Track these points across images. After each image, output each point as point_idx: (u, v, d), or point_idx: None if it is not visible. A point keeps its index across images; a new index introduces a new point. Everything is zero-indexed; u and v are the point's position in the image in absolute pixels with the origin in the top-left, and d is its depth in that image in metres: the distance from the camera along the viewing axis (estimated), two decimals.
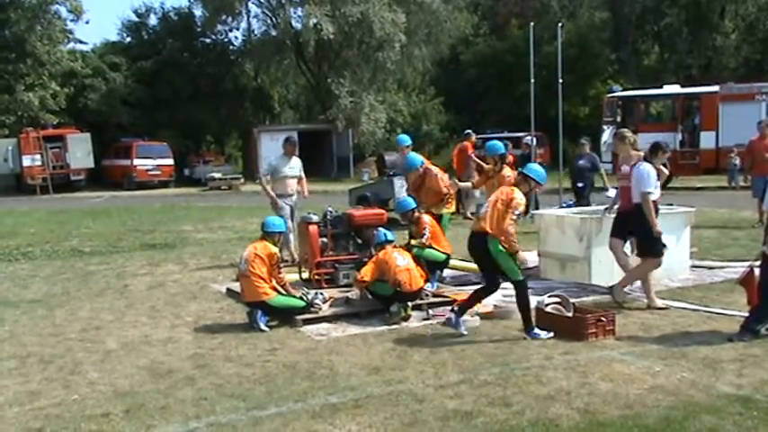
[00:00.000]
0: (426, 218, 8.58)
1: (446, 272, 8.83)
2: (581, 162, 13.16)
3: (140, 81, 36.90)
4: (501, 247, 6.35)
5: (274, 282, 7.12)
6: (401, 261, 7.28)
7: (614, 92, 25.31)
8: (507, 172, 8.88)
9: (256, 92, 41.38)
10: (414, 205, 8.60)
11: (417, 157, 9.51)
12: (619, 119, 23.81)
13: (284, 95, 44.12)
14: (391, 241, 7.71)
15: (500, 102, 40.64)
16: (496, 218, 6.40)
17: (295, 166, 10.59)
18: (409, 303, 7.18)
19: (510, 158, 15.79)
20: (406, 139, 10.14)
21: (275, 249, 7.18)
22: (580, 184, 13.11)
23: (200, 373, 5.70)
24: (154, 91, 36.76)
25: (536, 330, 6.32)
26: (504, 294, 8.15)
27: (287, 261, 10.50)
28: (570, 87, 29.03)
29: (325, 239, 8.76)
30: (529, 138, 16.09)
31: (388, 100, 39.98)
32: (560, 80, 14.84)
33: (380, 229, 8.22)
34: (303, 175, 10.75)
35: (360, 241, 8.91)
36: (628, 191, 7.95)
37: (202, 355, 6.17)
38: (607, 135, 23.14)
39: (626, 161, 7.99)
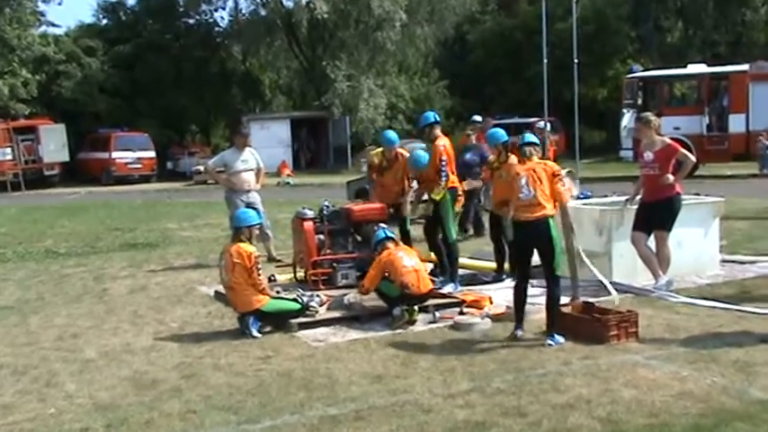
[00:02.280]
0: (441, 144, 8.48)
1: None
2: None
3: (118, 66, 36.89)
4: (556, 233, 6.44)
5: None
6: (408, 261, 7.26)
7: (634, 72, 25.24)
8: (513, 160, 8.84)
9: (245, 77, 41.36)
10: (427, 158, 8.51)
11: (395, 136, 9.47)
12: (640, 102, 23.74)
13: (275, 80, 44.10)
14: (392, 238, 7.70)
15: (510, 84, 40.59)
16: (552, 195, 6.45)
17: (248, 158, 10.63)
18: (416, 306, 7.16)
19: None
20: (394, 139, 9.38)
21: (251, 249, 7.08)
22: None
23: (188, 383, 5.69)
24: (133, 77, 36.74)
25: (557, 336, 6.31)
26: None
27: (280, 261, 10.53)
28: (586, 68, 29.06)
29: (321, 237, 8.75)
30: (542, 123, 16.09)
31: (388, 84, 39.97)
32: (575, 60, 14.84)
33: (381, 225, 8.21)
34: (262, 165, 10.86)
35: (359, 238, 8.90)
36: (652, 180, 7.94)
37: (189, 365, 6.16)
38: (627, 119, 23.10)
39: (649, 147, 7.99)
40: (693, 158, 8.11)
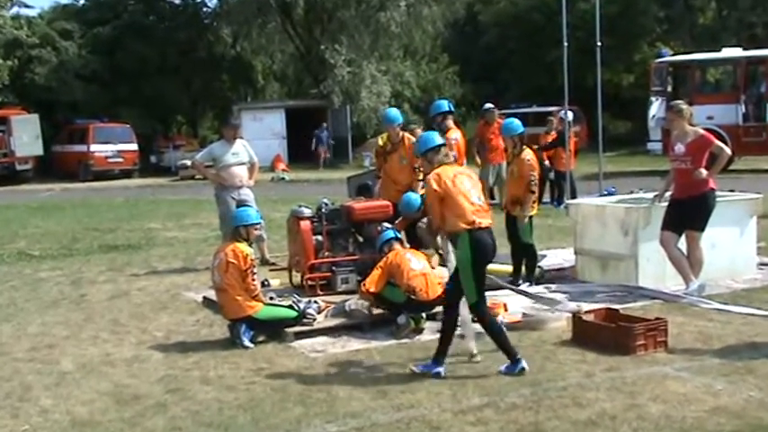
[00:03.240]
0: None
1: None
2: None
3: (97, 51, 36.94)
4: None
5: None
6: (416, 264, 7.25)
7: (664, 56, 25.20)
8: (528, 155, 8.86)
9: (235, 62, 41.38)
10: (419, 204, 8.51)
11: (396, 113, 9.47)
12: (669, 89, 23.69)
13: (269, 66, 44.10)
14: (399, 239, 7.71)
15: (527, 70, 40.54)
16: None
17: (239, 151, 10.64)
18: (423, 314, 7.16)
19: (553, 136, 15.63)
20: (395, 116, 9.48)
21: (248, 250, 7.11)
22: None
23: (173, 398, 5.71)
24: (113, 62, 36.78)
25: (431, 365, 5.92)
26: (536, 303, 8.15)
27: (274, 264, 10.55)
28: (611, 52, 28.94)
29: (319, 237, 8.76)
30: (562, 112, 16.05)
31: (392, 70, 39.95)
32: (599, 43, 14.80)
33: (385, 225, 8.22)
34: (255, 159, 10.87)
35: (361, 239, 8.91)
36: (684, 174, 7.93)
37: (175, 377, 6.17)
38: (655, 108, 23.07)
39: (681, 139, 7.98)
40: (729, 151, 8.10)
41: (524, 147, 8.91)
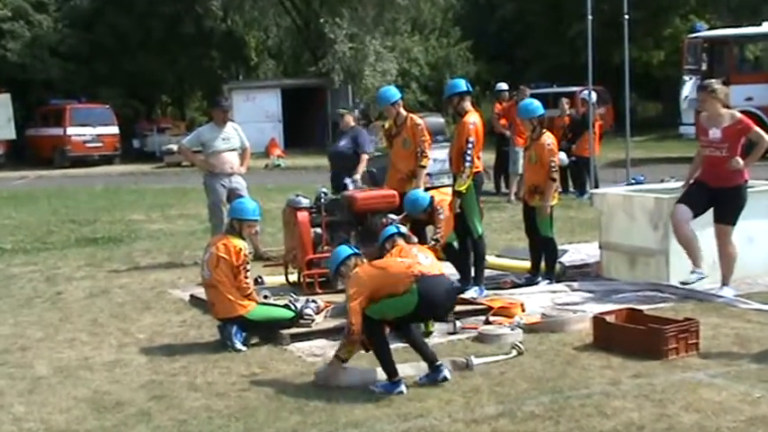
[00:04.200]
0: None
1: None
2: (342, 144, 10.87)
3: (74, 25, 36.92)
4: None
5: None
6: (423, 261, 7.26)
7: (698, 31, 25.11)
8: (548, 138, 8.85)
9: (226, 37, 41.29)
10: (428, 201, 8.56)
11: (392, 91, 9.45)
12: (704, 67, 23.64)
13: (263, 41, 44.05)
14: (403, 234, 7.71)
15: (547, 46, 40.44)
16: None
17: (230, 135, 10.66)
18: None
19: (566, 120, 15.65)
20: (390, 95, 9.43)
21: (242, 245, 7.10)
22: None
23: (158, 405, 5.72)
24: (92, 38, 36.77)
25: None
26: (556, 301, 8.16)
27: (269, 259, 10.55)
28: (639, 26, 28.93)
29: (318, 230, 8.76)
30: (585, 93, 16.03)
31: (399, 46, 39.89)
32: (626, 16, 14.77)
33: (391, 217, 8.22)
34: (248, 144, 10.91)
35: (364, 232, 8.91)
36: (718, 163, 7.88)
37: (160, 383, 6.18)
38: (688, 88, 23.00)
39: (715, 122, 7.94)
40: (765, 136, 8.05)
41: (543, 131, 8.91)
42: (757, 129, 8.01)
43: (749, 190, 8.09)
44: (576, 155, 15.86)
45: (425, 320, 6.78)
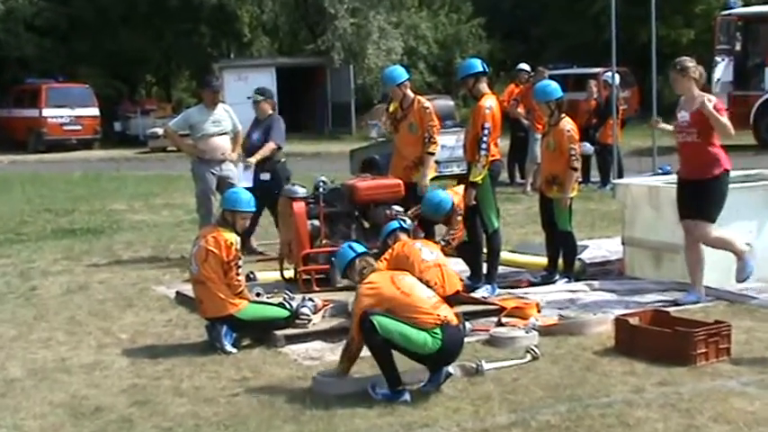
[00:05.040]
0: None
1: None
2: (255, 138, 10.86)
3: None
4: None
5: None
6: (428, 255, 7.26)
7: (732, 8, 25.07)
8: (567, 124, 8.83)
9: (216, 11, 41.14)
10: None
11: (398, 71, 9.45)
12: (738, 47, 23.60)
13: (257, 16, 43.91)
14: (406, 229, 7.72)
15: (565, 23, 40.37)
16: None
17: (221, 118, 10.63)
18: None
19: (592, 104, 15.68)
20: (396, 75, 9.38)
21: (233, 238, 7.07)
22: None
23: (140, 412, 5.72)
24: (70, 11, 36.73)
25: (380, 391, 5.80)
26: (575, 300, 8.16)
27: (261, 254, 10.56)
28: (668, 2, 28.84)
29: (316, 222, 8.76)
30: (608, 75, 16.03)
31: (405, 22, 39.82)
32: None
33: (395, 208, 8.22)
34: (240, 128, 10.88)
35: (366, 225, 8.91)
36: (690, 151, 7.77)
37: (143, 388, 6.19)
38: (721, 70, 22.97)
39: (686, 105, 7.79)
40: (730, 129, 7.69)
41: (561, 115, 8.88)
42: (717, 115, 7.58)
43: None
44: (600, 142, 15.86)
45: (429, 364, 5.92)
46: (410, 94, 9.33)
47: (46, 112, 32.47)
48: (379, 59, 35.74)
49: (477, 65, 8.52)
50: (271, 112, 11.00)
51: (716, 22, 25.37)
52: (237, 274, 7.06)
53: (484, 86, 8.45)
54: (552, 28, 41.69)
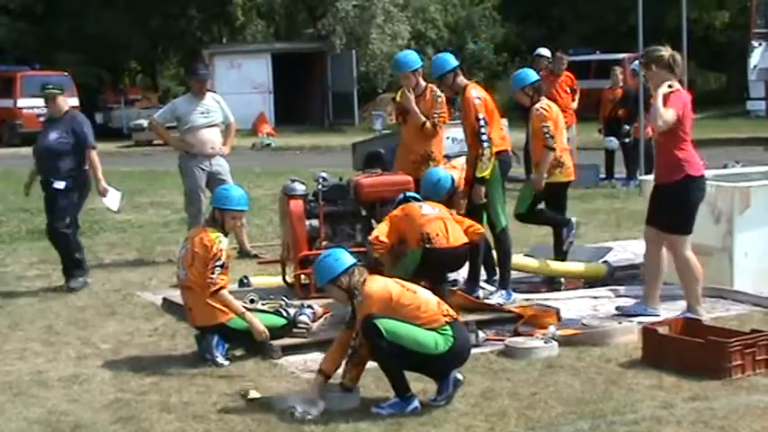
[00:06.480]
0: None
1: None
2: (53, 138, 9.92)
3: None
4: None
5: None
6: (428, 210, 7.65)
7: None
8: (539, 104, 9.10)
9: None
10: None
11: (412, 57, 9.49)
12: None
13: None
14: (417, 199, 7.89)
15: (587, 5, 40.44)
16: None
17: (211, 109, 10.66)
18: (451, 286, 7.37)
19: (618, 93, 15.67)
20: (410, 61, 9.37)
21: (219, 237, 7.04)
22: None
23: (124, 429, 5.72)
24: None
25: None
26: (599, 310, 8.16)
27: (257, 256, 10.57)
28: None
29: (315, 222, 8.75)
30: (636, 64, 16.02)
31: (412, 4, 39.86)
32: None
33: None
34: (232, 119, 10.94)
35: (372, 224, 8.90)
36: (658, 149, 7.72)
37: (127, 403, 6.18)
38: (758, 56, 22.96)
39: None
40: (662, 113, 7.33)
41: (541, 98, 9.16)
42: (661, 108, 7.33)
43: None
44: (635, 137, 15.77)
45: (437, 371, 5.96)
46: (422, 82, 9.34)
47: (21, 102, 32.55)
48: (383, 45, 35.78)
49: (452, 60, 8.80)
50: (67, 108, 10.16)
51: (753, 3, 25.37)
52: (213, 273, 6.94)
53: (462, 79, 8.65)
54: (572, 10, 41.74)
